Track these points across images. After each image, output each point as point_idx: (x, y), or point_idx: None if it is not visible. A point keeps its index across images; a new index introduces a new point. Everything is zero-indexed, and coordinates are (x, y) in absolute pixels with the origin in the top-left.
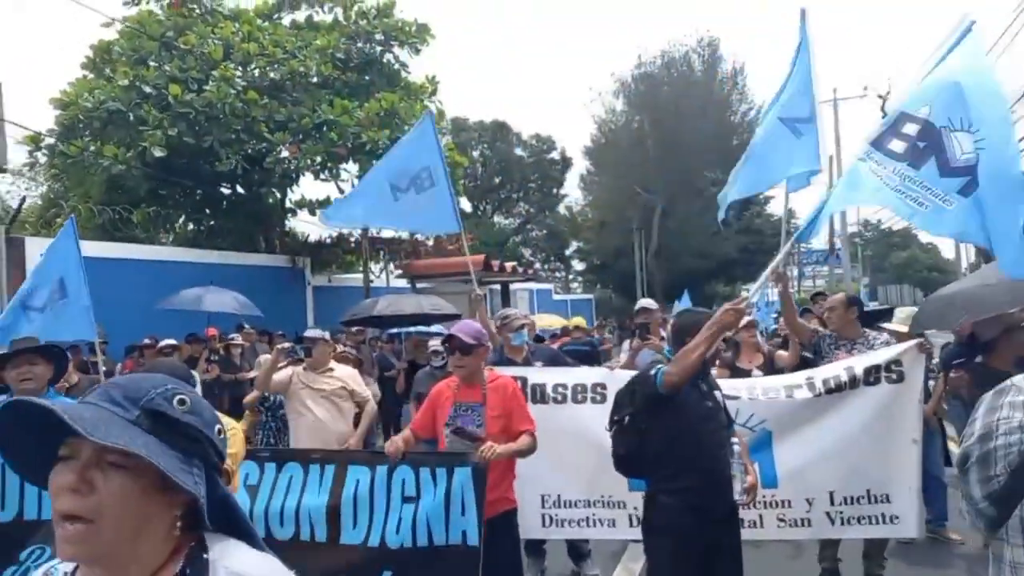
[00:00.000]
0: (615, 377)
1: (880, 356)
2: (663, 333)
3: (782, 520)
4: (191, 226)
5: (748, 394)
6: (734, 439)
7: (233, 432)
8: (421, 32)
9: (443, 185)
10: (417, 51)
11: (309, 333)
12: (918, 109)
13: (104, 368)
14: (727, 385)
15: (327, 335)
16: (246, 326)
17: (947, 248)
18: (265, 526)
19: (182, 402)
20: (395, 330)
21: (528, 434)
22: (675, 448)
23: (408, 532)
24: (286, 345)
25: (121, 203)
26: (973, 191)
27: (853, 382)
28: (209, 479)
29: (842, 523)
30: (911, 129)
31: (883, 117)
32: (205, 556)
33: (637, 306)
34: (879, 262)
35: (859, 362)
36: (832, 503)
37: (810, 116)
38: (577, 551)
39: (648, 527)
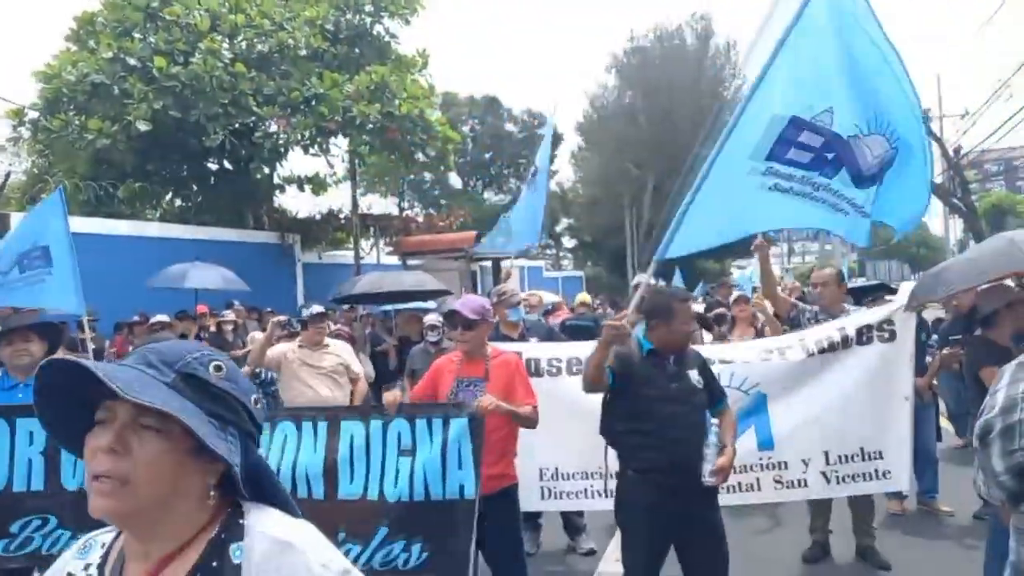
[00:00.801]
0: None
1: (872, 316)
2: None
3: (778, 482)
4: (178, 202)
5: (742, 357)
6: (713, 420)
7: None
8: (411, 2)
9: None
10: (407, 21)
11: (314, 309)
12: (815, 115)
13: (93, 346)
14: (720, 351)
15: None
16: (236, 303)
17: (936, 225)
18: None
19: (218, 368)
20: (388, 307)
21: (530, 407)
22: (636, 427)
23: (405, 485)
24: (282, 318)
25: (107, 178)
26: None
27: (845, 342)
28: (244, 447)
29: (838, 482)
30: (813, 140)
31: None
32: (241, 521)
33: (633, 281)
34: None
35: (851, 322)
36: (827, 462)
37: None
38: (573, 525)
39: (616, 500)
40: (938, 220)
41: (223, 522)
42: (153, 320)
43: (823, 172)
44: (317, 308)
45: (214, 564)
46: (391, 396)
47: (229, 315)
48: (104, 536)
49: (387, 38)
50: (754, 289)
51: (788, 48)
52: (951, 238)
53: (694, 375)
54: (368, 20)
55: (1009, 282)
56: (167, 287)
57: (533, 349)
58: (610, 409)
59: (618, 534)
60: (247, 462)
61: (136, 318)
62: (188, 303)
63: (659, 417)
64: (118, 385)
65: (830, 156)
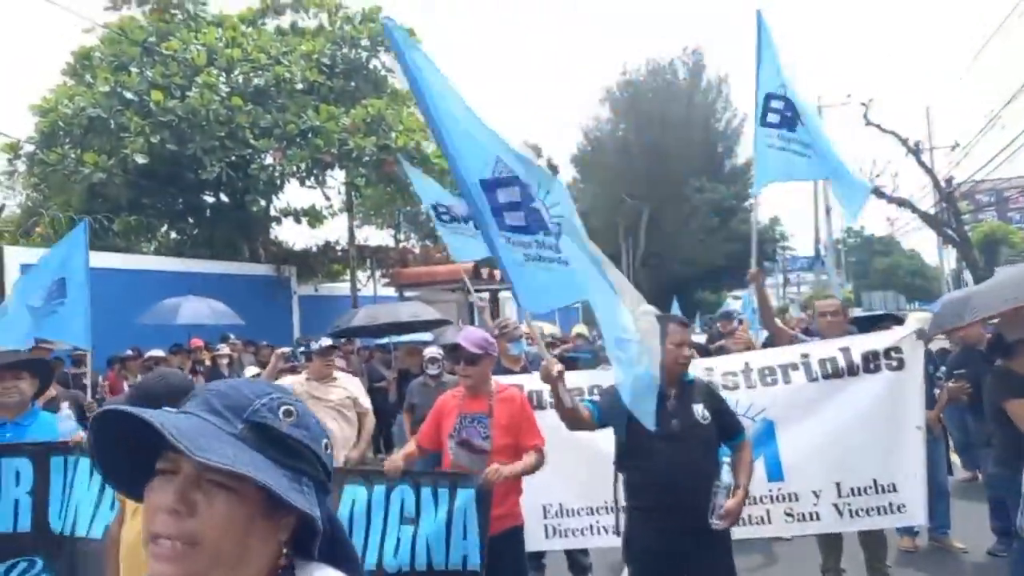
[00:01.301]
0: (612, 377)
1: (878, 342)
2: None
3: (789, 514)
4: (173, 235)
5: (745, 382)
6: (726, 459)
7: None
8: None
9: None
10: None
11: (323, 342)
12: (492, 171)
13: (88, 381)
14: (723, 368)
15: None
16: (232, 336)
17: (930, 254)
18: None
19: (288, 413)
20: (384, 340)
21: (536, 450)
22: (637, 464)
23: (407, 555)
24: (285, 350)
25: (102, 212)
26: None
27: (852, 368)
28: (318, 499)
29: (851, 515)
30: (509, 194)
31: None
32: None
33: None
34: (862, 268)
35: (856, 345)
36: (839, 495)
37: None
38: (579, 565)
39: (624, 543)
40: (932, 250)
41: None
42: (148, 355)
43: (545, 231)
44: (326, 341)
45: None
46: (391, 464)
47: (224, 349)
48: None
49: (383, 72)
50: (754, 310)
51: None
52: (945, 268)
53: (699, 410)
54: (364, 55)
55: None
56: (157, 323)
57: (536, 381)
58: (617, 444)
59: (626, 573)
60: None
61: (129, 352)
62: (181, 336)
63: (658, 456)
64: (185, 444)
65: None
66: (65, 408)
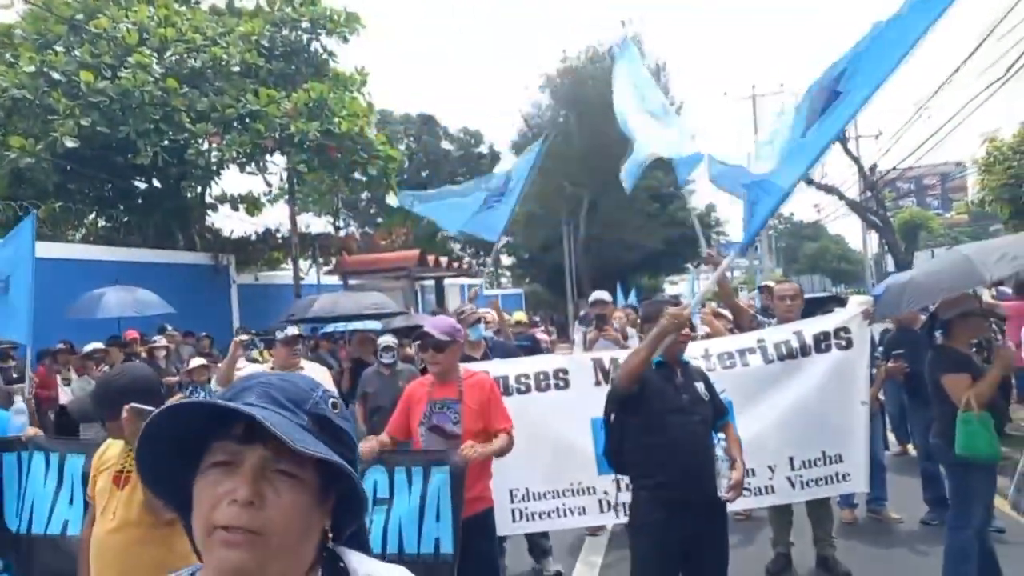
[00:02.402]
0: (576, 361)
1: (828, 323)
2: (616, 324)
3: (747, 489)
4: (102, 222)
5: (704, 364)
6: (720, 435)
7: None
8: (350, 21)
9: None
10: (346, 40)
11: (289, 331)
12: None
13: (15, 375)
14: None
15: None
16: (169, 327)
17: (854, 239)
18: None
19: (335, 406)
20: (331, 328)
21: (506, 432)
22: (647, 443)
23: (378, 539)
24: (244, 337)
25: (27, 198)
26: None
27: (804, 349)
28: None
29: (802, 486)
30: None
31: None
32: (341, 564)
33: (592, 298)
34: (792, 253)
35: (808, 327)
36: (792, 468)
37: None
38: (539, 548)
39: (630, 523)
40: (856, 235)
41: (324, 567)
42: (90, 348)
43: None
44: (292, 330)
45: None
46: (367, 447)
47: (161, 341)
48: None
49: (324, 55)
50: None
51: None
52: (868, 252)
53: (700, 387)
54: (305, 37)
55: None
56: (81, 318)
57: (501, 367)
58: (616, 428)
59: (583, 554)
60: None
61: (60, 346)
62: (112, 328)
63: (671, 429)
64: (285, 436)
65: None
66: (19, 402)
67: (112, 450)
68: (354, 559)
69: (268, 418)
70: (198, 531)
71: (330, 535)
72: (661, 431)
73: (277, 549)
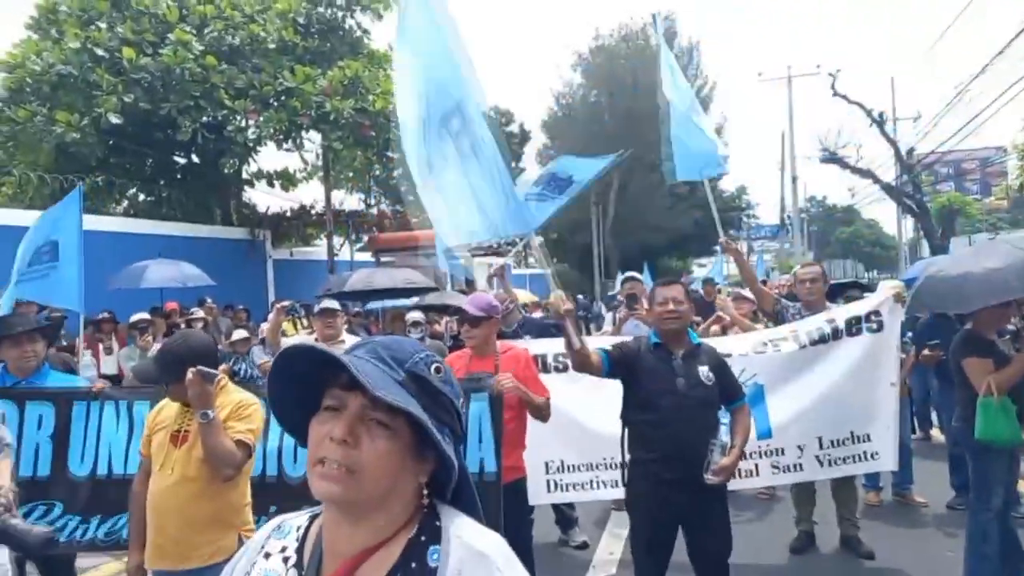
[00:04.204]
0: (612, 344)
1: (860, 308)
2: (646, 304)
3: (775, 467)
4: (142, 196)
5: (739, 351)
6: (724, 420)
7: (255, 407)
8: None
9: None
10: (379, 16)
11: (324, 304)
12: None
13: (65, 343)
14: (717, 344)
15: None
16: (208, 300)
17: (889, 224)
18: (278, 464)
19: (438, 370)
20: (371, 305)
21: (545, 398)
22: (643, 417)
23: None
24: (285, 303)
25: (71, 171)
26: None
27: (836, 334)
28: (456, 450)
29: (830, 464)
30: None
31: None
32: (437, 524)
33: (623, 277)
34: (824, 237)
35: (840, 314)
36: (821, 447)
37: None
38: (565, 518)
39: (625, 495)
40: (891, 220)
41: (421, 523)
42: (135, 318)
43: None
44: (329, 303)
45: (413, 565)
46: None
47: (199, 313)
48: (298, 520)
49: (359, 33)
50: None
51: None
52: (903, 237)
53: (704, 371)
54: (340, 14)
55: None
56: (125, 287)
57: (539, 346)
58: (625, 398)
59: (610, 526)
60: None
61: (104, 315)
62: (155, 298)
63: (662, 409)
64: (368, 381)
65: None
66: (88, 356)
67: (167, 411)
68: (451, 519)
69: (362, 368)
70: (308, 463)
71: (426, 493)
72: (653, 410)
73: (367, 488)
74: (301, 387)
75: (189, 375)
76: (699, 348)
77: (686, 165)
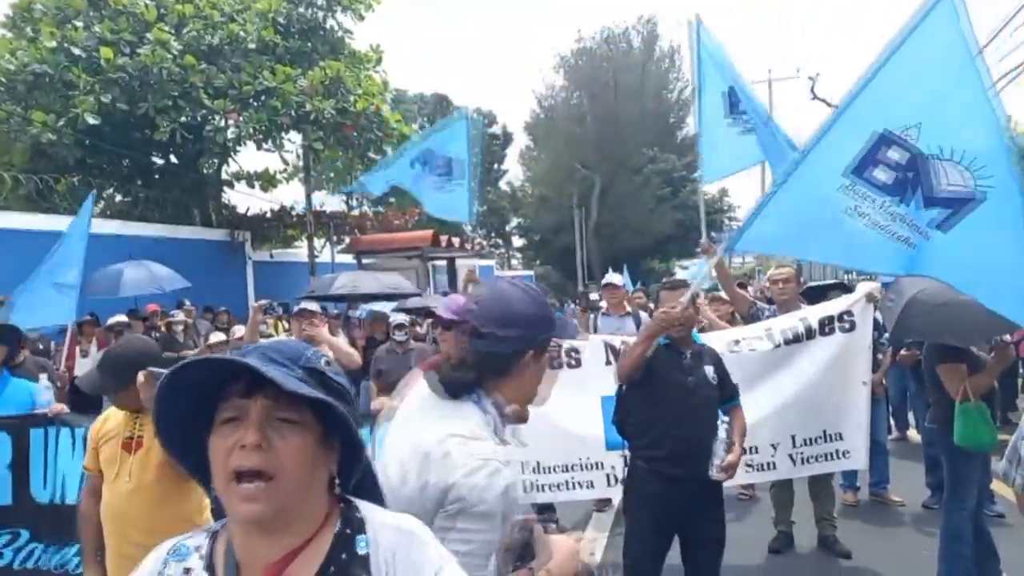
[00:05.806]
0: (589, 342)
1: (833, 307)
2: (627, 307)
3: (749, 466)
4: (119, 197)
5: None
6: (725, 417)
7: None
8: None
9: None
10: (361, 17)
11: (302, 305)
12: (904, 130)
13: (41, 346)
14: None
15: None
16: (187, 302)
17: None
18: None
19: (328, 363)
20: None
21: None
22: (649, 418)
23: None
24: (264, 302)
25: (46, 172)
26: (953, 227)
27: (809, 333)
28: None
29: (803, 463)
30: (898, 156)
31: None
32: (359, 515)
33: (604, 281)
34: None
35: (813, 313)
36: (794, 445)
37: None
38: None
39: (625, 489)
40: None
41: (341, 515)
42: (113, 321)
43: (903, 198)
44: (307, 305)
45: (343, 557)
46: (378, 404)
47: (179, 315)
48: (195, 540)
49: (340, 33)
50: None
51: (896, 60)
52: None
53: (710, 371)
54: (320, 14)
55: None
56: (99, 297)
57: None
58: (626, 401)
59: (590, 529)
60: None
61: (87, 317)
62: (130, 302)
63: (673, 408)
64: (278, 379)
65: (911, 175)
66: (44, 380)
67: (112, 421)
68: (365, 508)
69: (264, 369)
70: (219, 483)
71: (337, 482)
72: (663, 407)
73: (289, 490)
74: (190, 406)
75: (140, 378)
76: (703, 348)
77: (713, 166)
